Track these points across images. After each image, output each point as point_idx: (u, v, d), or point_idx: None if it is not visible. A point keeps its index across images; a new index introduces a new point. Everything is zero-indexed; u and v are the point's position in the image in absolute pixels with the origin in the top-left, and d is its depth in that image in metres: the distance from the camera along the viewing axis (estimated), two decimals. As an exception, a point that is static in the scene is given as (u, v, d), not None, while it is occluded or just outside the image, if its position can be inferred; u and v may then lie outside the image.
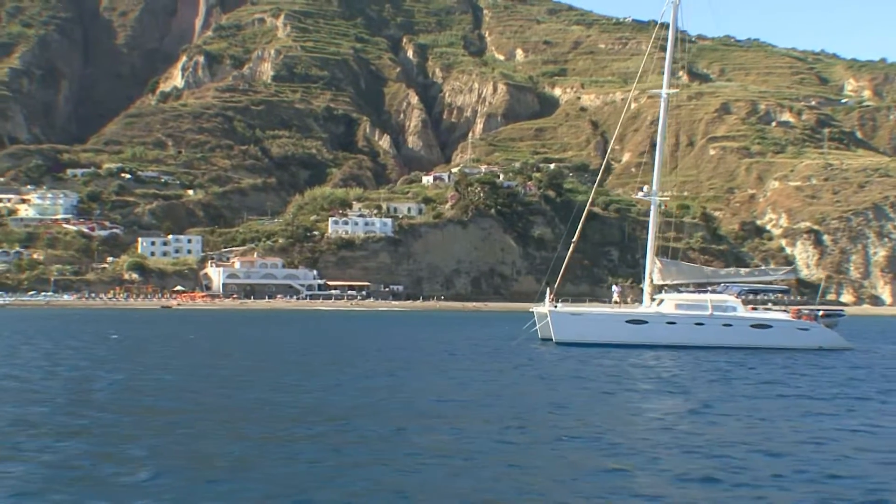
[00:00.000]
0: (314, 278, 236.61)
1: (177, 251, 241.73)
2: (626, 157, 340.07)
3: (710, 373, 49.58)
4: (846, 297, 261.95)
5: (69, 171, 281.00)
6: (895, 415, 32.93)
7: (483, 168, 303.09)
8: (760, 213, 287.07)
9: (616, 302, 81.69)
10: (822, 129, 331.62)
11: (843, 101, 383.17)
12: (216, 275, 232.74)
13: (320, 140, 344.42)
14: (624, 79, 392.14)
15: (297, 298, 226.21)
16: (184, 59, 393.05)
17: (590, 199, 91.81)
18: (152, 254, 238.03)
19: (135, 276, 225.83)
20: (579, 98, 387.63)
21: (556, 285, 74.51)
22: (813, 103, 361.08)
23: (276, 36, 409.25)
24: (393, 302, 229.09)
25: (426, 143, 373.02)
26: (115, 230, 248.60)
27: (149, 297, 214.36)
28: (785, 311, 75.60)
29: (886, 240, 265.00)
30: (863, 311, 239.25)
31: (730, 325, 68.86)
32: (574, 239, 78.87)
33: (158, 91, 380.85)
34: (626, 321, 69.74)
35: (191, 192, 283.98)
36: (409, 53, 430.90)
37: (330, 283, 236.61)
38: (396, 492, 20.47)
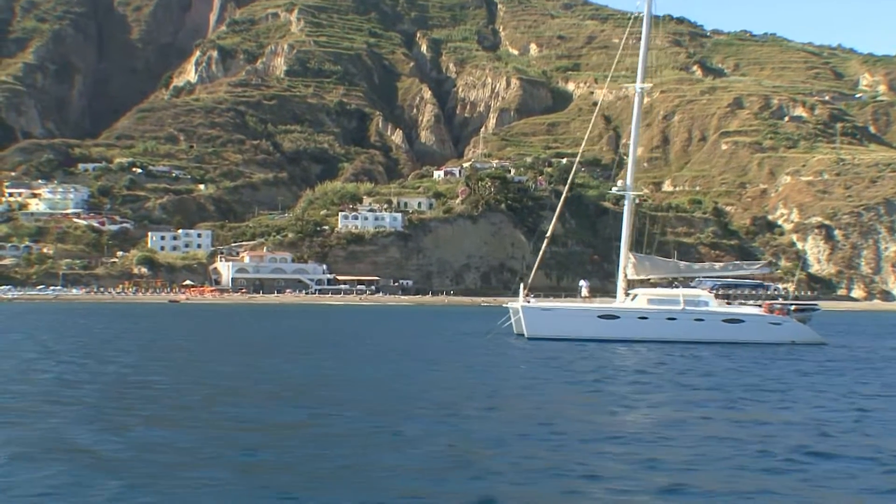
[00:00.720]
0: (323, 273, 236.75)
1: (186, 246, 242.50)
2: (638, 151, 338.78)
3: (655, 366, 49.66)
4: (857, 292, 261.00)
5: (80, 166, 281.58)
6: (778, 409, 32.68)
7: (494, 163, 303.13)
8: (772, 208, 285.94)
9: (585, 297, 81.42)
10: (834, 123, 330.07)
11: (857, 95, 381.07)
12: (225, 269, 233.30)
13: (332, 135, 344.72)
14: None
15: (306, 293, 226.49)
16: (197, 53, 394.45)
17: (565, 193, 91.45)
18: (162, 248, 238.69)
19: (144, 270, 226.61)
20: (592, 93, 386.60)
21: (529, 280, 74.34)
22: (826, 98, 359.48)
23: (289, 31, 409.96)
24: (402, 297, 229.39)
25: (439, 137, 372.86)
26: (125, 224, 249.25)
27: (157, 291, 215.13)
28: (758, 305, 75.34)
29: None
30: (873, 306, 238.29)
31: (702, 320, 68.59)
32: (548, 234, 79.05)
33: (172, 86, 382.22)
34: (598, 316, 69.59)
35: (202, 186, 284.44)
36: (423, 48, 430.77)
37: (339, 277, 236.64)
38: (214, 474, 20.97)
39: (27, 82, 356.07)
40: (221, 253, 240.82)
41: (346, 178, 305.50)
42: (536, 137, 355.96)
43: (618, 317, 69.23)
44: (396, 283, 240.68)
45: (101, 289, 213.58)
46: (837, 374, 46.58)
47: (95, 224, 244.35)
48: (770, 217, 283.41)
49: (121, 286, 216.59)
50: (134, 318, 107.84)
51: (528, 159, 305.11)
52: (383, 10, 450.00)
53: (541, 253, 78.69)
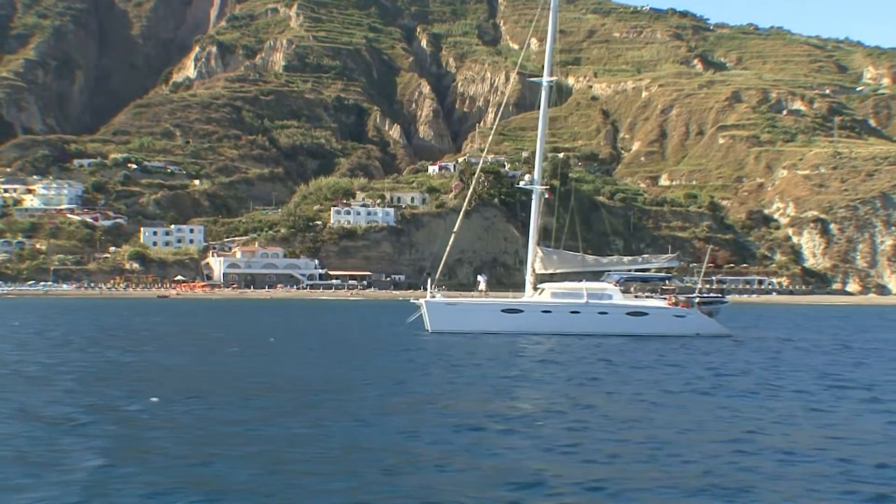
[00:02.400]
0: (315, 268, 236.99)
1: (179, 241, 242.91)
2: (635, 145, 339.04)
3: (518, 356, 50.17)
4: (852, 286, 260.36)
5: (76, 162, 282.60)
6: (529, 398, 32.25)
7: (490, 157, 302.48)
8: (768, 202, 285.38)
9: (481, 291, 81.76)
10: (833, 117, 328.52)
11: (859, 88, 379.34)
12: (217, 264, 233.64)
13: (330, 130, 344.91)
14: (637, 68, 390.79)
15: (298, 288, 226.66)
16: (197, 49, 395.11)
17: (473, 186, 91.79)
18: (154, 243, 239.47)
19: (136, 265, 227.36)
20: (591, 87, 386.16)
21: (437, 275, 74.53)
22: (826, 91, 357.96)
23: (288, 26, 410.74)
24: (394, 291, 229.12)
25: (437, 132, 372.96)
26: (118, 220, 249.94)
27: (148, 286, 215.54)
28: (663, 298, 75.48)
29: (894, 229, 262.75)
30: (868, 300, 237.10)
31: (605, 314, 68.60)
32: (455, 229, 79.40)
33: (171, 81, 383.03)
34: (502, 310, 69.66)
35: (197, 182, 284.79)
36: (423, 43, 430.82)
37: (331, 272, 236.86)
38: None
39: (28, 78, 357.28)
40: (213, 248, 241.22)
41: (342, 173, 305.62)
42: (534, 132, 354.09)
43: (521, 311, 69.29)
44: (388, 278, 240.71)
45: (92, 284, 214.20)
46: (680, 365, 45.61)
47: (89, 220, 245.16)
48: (766, 211, 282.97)
49: (111, 282, 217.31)
50: (86, 313, 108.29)
51: (525, 153, 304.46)
52: (383, 5, 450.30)
53: (447, 250, 78.43)
